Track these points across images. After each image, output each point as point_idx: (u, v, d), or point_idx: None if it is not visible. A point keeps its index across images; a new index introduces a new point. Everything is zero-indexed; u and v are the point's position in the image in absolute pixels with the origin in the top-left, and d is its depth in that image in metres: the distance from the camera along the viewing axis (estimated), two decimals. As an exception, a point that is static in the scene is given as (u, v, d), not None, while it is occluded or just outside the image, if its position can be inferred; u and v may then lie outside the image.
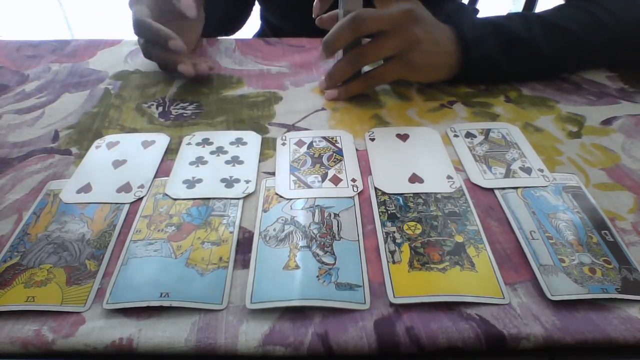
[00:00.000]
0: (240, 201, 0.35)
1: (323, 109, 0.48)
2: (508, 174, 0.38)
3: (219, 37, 0.62)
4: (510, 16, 0.50)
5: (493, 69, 0.49)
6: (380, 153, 0.41)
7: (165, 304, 0.27)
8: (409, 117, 0.46)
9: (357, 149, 0.41)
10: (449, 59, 0.48)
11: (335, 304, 0.28)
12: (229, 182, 0.37)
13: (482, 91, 0.50)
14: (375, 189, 0.37)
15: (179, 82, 0.53)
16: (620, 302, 0.28)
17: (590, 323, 0.27)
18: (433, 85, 0.51)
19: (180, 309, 0.28)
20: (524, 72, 0.51)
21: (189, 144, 0.42)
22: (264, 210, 0.35)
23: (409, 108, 0.48)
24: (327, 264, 0.30)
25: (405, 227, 0.33)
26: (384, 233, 0.32)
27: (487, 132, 0.43)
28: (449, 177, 0.38)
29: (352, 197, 0.36)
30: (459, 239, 0.32)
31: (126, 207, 0.35)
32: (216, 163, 0.40)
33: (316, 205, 0.35)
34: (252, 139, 0.43)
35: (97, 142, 0.42)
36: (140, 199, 0.36)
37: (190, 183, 0.37)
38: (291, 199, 0.35)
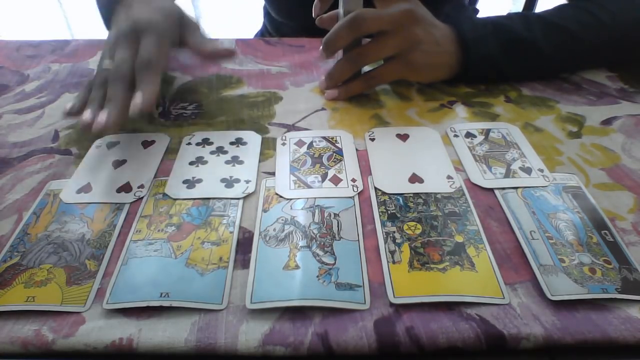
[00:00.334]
0: (240, 201, 0.35)
1: (323, 109, 0.48)
2: (508, 174, 0.38)
3: (219, 38, 0.62)
4: (511, 16, 0.50)
5: (493, 68, 0.49)
6: (380, 153, 0.41)
7: (165, 304, 0.27)
8: (409, 117, 0.46)
9: (357, 149, 0.41)
10: (449, 58, 0.48)
11: (335, 304, 0.28)
12: (229, 182, 0.37)
13: (482, 91, 0.50)
14: (375, 189, 0.37)
15: (179, 82, 0.53)
16: (620, 302, 0.28)
17: (590, 323, 0.27)
18: (433, 85, 0.51)
19: (180, 309, 0.28)
20: (524, 72, 0.51)
21: (189, 144, 0.42)
22: (264, 210, 0.35)
23: (409, 108, 0.48)
24: (327, 264, 0.30)
25: (405, 227, 0.33)
26: (384, 233, 0.32)
27: (487, 132, 0.43)
28: (449, 177, 0.38)
29: (352, 197, 0.36)
30: (459, 239, 0.32)
31: (126, 207, 0.35)
32: (216, 163, 0.40)
33: (316, 205, 0.35)
34: (252, 139, 0.43)
35: (97, 142, 0.42)
36: (140, 199, 0.36)
37: (190, 183, 0.37)
38: (291, 199, 0.35)
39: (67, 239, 0.32)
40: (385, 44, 0.45)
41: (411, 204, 0.35)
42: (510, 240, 0.32)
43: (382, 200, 0.35)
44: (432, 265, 0.30)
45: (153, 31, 0.42)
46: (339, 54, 0.48)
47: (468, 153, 0.41)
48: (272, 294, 0.28)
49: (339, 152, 0.41)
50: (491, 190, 0.37)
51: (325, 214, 0.34)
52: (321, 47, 0.46)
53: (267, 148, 0.42)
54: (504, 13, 0.52)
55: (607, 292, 0.28)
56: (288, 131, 0.44)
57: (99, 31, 0.54)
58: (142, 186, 0.37)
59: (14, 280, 0.29)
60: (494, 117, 0.46)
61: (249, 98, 0.49)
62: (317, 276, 0.29)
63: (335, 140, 0.42)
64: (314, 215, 0.34)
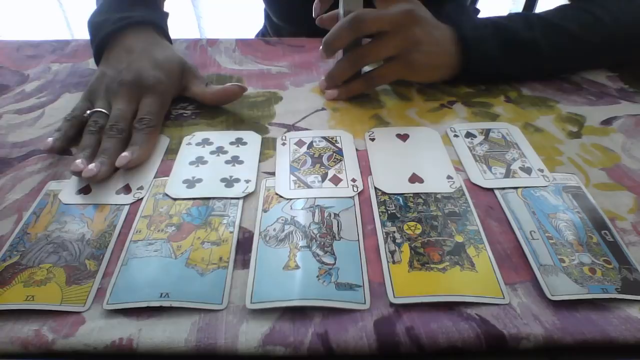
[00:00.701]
0: (240, 201, 0.35)
1: (323, 109, 0.48)
2: (508, 174, 0.38)
3: (219, 38, 0.62)
4: (511, 16, 0.50)
5: (493, 69, 0.49)
6: (380, 153, 0.41)
7: (165, 304, 0.27)
8: (409, 117, 0.46)
9: (357, 149, 0.41)
10: (449, 59, 0.48)
11: (335, 304, 0.28)
12: (229, 182, 0.37)
13: (482, 91, 0.50)
14: (375, 189, 0.37)
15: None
16: (620, 302, 0.28)
17: (590, 323, 0.27)
18: (433, 85, 0.51)
19: (180, 309, 0.28)
20: (524, 72, 0.51)
21: (189, 144, 0.42)
22: (264, 210, 0.35)
23: (409, 108, 0.48)
24: (327, 264, 0.30)
25: (405, 227, 0.33)
26: (384, 233, 0.32)
27: (487, 132, 0.43)
28: (449, 177, 0.38)
29: (352, 197, 0.36)
30: (459, 239, 0.32)
31: (126, 207, 0.35)
32: (216, 163, 0.40)
33: (316, 205, 0.35)
34: (252, 139, 0.43)
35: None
36: (140, 200, 0.36)
37: (190, 183, 0.37)
38: (291, 199, 0.35)
39: (67, 238, 0.32)
40: (385, 44, 0.45)
41: (411, 204, 0.35)
42: (510, 240, 0.32)
43: (382, 200, 0.35)
44: (432, 265, 0.30)
45: (156, 92, 0.43)
46: (339, 54, 0.48)
47: (468, 153, 0.41)
48: (272, 294, 0.28)
49: (339, 152, 0.41)
50: (491, 190, 0.37)
51: (325, 214, 0.34)
52: (321, 47, 0.46)
53: (267, 148, 0.42)
54: (504, 13, 0.52)
55: (607, 292, 0.28)
56: (288, 131, 0.44)
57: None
58: (141, 187, 0.37)
59: (14, 279, 0.29)
60: (494, 117, 0.46)
61: (249, 98, 0.49)
62: (317, 276, 0.29)
63: (335, 140, 0.42)
64: (314, 215, 0.34)
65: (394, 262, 0.30)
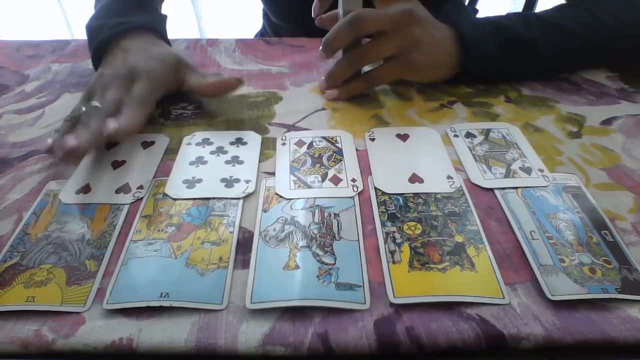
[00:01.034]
0: (240, 201, 0.35)
1: (323, 109, 0.48)
2: (508, 174, 0.38)
3: (218, 38, 0.63)
4: (510, 16, 0.50)
5: (493, 69, 0.49)
6: (380, 153, 0.41)
7: (165, 304, 0.27)
8: (409, 117, 0.46)
9: (357, 149, 0.41)
10: (448, 59, 0.48)
11: (335, 304, 0.28)
12: (229, 182, 0.37)
13: (482, 91, 0.50)
14: (375, 189, 0.37)
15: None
16: (620, 302, 0.28)
17: (590, 323, 0.27)
18: (433, 85, 0.51)
19: (180, 309, 0.28)
20: (523, 72, 0.51)
21: (189, 144, 0.42)
22: (264, 210, 0.35)
23: (409, 108, 0.48)
24: (327, 264, 0.30)
25: (405, 227, 0.33)
26: (384, 233, 0.32)
27: (487, 132, 0.43)
28: (449, 177, 0.38)
29: (352, 197, 0.36)
30: (459, 239, 0.32)
31: (126, 207, 0.35)
32: (216, 163, 0.40)
33: (316, 205, 0.35)
34: (252, 139, 0.43)
35: (97, 142, 0.42)
36: (139, 200, 0.36)
37: (190, 183, 0.37)
38: (291, 199, 0.35)
39: (67, 239, 0.32)
40: (385, 44, 0.45)
41: (411, 204, 0.35)
42: (510, 240, 0.32)
43: (382, 200, 0.35)
44: (432, 265, 0.30)
45: (147, 78, 0.43)
46: (339, 54, 0.48)
47: (468, 153, 0.41)
48: (272, 294, 0.28)
49: (339, 152, 0.41)
50: (491, 190, 0.37)
51: (325, 214, 0.34)
52: (321, 47, 0.46)
53: (267, 148, 0.42)
54: (504, 13, 0.52)
55: (607, 292, 0.28)
56: (288, 131, 0.44)
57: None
58: (141, 187, 0.37)
59: (14, 280, 0.29)
60: (494, 117, 0.46)
61: (249, 98, 0.49)
62: (317, 276, 0.29)
63: (335, 140, 0.42)
64: (314, 215, 0.34)
65: (394, 262, 0.30)
